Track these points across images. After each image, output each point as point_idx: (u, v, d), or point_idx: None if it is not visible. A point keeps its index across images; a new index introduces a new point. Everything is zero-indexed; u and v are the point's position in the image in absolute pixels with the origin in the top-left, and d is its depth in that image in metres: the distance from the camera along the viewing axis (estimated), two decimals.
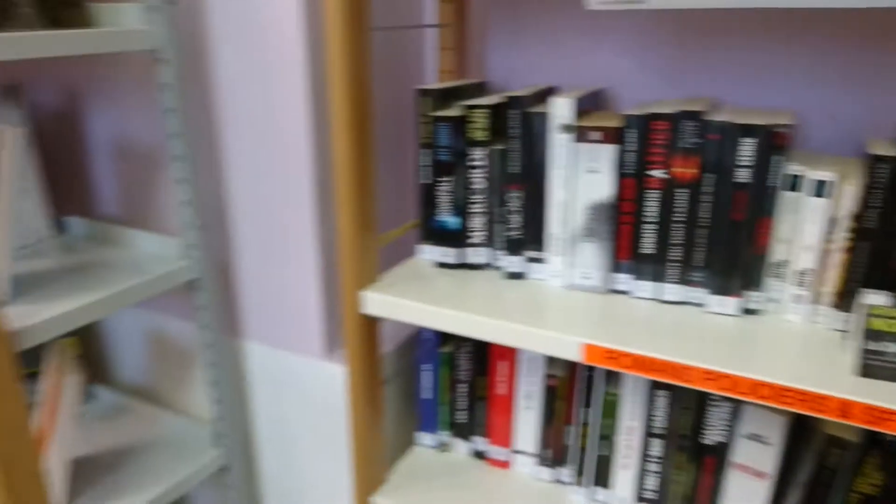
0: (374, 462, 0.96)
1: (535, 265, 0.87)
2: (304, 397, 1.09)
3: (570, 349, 0.73)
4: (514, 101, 0.80)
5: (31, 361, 1.12)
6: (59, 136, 1.21)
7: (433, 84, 0.90)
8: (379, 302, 0.84)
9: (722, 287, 0.76)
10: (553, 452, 0.97)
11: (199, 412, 1.24)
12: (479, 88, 0.98)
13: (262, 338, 1.10)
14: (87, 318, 0.88)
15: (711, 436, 0.83)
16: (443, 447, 1.07)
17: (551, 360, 0.94)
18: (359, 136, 0.79)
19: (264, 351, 1.10)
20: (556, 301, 0.81)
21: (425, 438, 1.07)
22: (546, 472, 0.99)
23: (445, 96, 0.88)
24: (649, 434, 0.87)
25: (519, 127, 0.81)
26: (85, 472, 1.08)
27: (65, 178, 1.23)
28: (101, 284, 0.93)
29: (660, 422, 0.86)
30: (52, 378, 0.98)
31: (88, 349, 1.36)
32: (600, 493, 0.93)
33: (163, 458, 1.11)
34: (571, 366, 0.93)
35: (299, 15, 0.88)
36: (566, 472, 0.98)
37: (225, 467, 1.14)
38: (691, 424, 0.84)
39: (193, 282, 1.02)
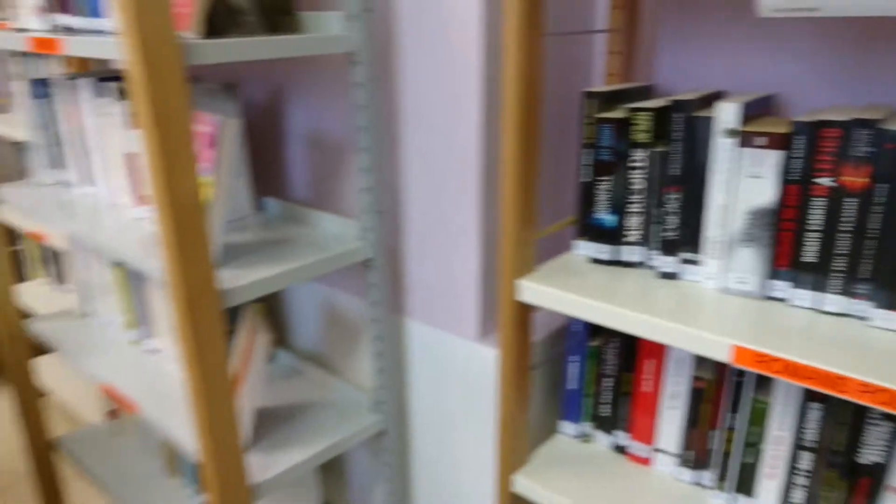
0: (518, 443, 1.02)
1: (689, 267, 0.88)
2: (457, 375, 1.17)
3: (720, 350, 0.74)
4: (678, 105, 0.82)
5: (227, 320, 1.30)
6: (262, 127, 1.38)
7: (599, 87, 0.94)
8: (533, 291, 0.90)
9: (890, 301, 0.74)
10: (695, 454, 0.98)
11: (362, 380, 1.36)
12: (646, 92, 1.00)
13: (423, 317, 1.20)
14: (278, 286, 1.02)
15: (868, 455, 0.81)
16: (584, 438, 1.11)
17: (699, 362, 0.95)
18: (526, 136, 0.85)
19: (424, 329, 1.20)
20: (709, 303, 0.82)
21: (568, 427, 1.11)
22: (687, 474, 1.00)
23: (611, 99, 0.92)
24: (799, 446, 0.86)
25: (682, 130, 0.83)
26: (265, 421, 1.23)
27: (265, 164, 1.41)
28: (290, 258, 1.07)
29: (811, 435, 0.84)
30: (245, 335, 1.13)
31: (272, 316, 1.54)
32: (742, 500, 0.93)
33: (328, 417, 1.24)
34: (720, 369, 0.93)
35: (479, 23, 0.96)
36: (708, 476, 0.98)
37: (382, 432, 1.25)
38: (846, 441, 0.82)
39: (367, 261, 1.14)
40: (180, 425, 1.15)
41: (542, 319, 1.16)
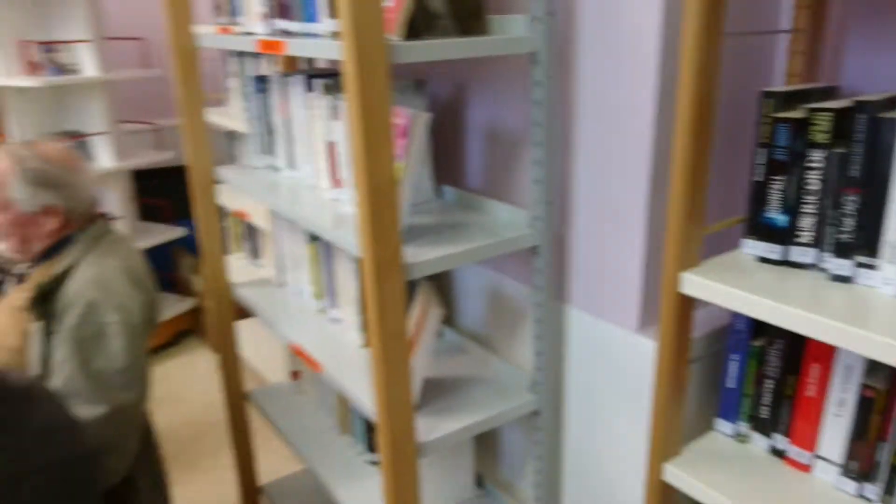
0: (672, 434, 1.05)
1: (864, 271, 0.87)
2: (614, 364, 1.22)
3: (892, 353, 0.73)
4: (861, 106, 0.82)
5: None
6: (445, 120, 1.50)
7: (779, 86, 0.94)
8: (697, 284, 0.92)
9: None
10: (860, 466, 0.95)
11: (521, 362, 1.44)
12: (828, 93, 0.99)
13: (584, 305, 1.25)
14: (453, 264, 1.12)
15: None
16: (740, 437, 1.10)
17: (871, 370, 0.92)
18: (699, 135, 0.88)
19: (584, 317, 1.25)
20: (884, 308, 0.81)
21: (723, 426, 1.12)
22: (850, 485, 0.97)
23: (789, 98, 0.92)
24: None
25: (864, 131, 0.82)
26: (431, 389, 1.35)
27: (446, 154, 1.53)
28: (464, 240, 1.17)
29: None
30: (420, 308, 1.25)
31: (442, 296, 1.66)
32: None
33: (487, 393, 1.33)
34: (894, 379, 0.90)
35: (659, 24, 0.99)
36: (872, 489, 0.95)
37: (536, 412, 1.33)
38: None
39: (534, 248, 1.21)
40: (358, 386, 1.29)
41: (704, 317, 1.17)
